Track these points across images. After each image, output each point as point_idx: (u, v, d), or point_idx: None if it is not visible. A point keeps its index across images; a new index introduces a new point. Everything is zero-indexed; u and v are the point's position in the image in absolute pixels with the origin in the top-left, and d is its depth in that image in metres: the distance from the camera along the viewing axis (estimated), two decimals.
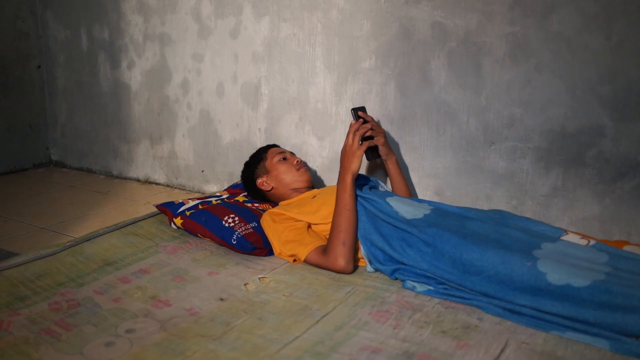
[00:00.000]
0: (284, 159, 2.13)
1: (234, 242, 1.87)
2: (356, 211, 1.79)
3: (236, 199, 2.23)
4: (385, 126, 2.22)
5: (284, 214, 1.91)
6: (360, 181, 1.95)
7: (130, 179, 3.07)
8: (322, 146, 2.40)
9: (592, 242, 1.56)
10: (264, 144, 2.52)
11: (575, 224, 1.93)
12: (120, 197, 2.73)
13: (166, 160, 2.91)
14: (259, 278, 1.72)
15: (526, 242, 1.56)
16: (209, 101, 2.69)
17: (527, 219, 1.71)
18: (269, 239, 1.90)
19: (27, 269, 1.72)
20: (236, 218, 1.95)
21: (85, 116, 3.19)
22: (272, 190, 2.14)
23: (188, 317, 1.47)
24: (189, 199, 2.19)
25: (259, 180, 2.14)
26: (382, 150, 2.01)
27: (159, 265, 1.80)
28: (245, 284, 1.67)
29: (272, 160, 2.13)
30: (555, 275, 1.40)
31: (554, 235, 1.60)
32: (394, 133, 2.22)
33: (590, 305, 1.34)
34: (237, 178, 2.60)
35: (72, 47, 3.13)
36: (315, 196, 2.00)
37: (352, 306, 1.53)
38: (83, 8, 3.01)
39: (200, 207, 2.10)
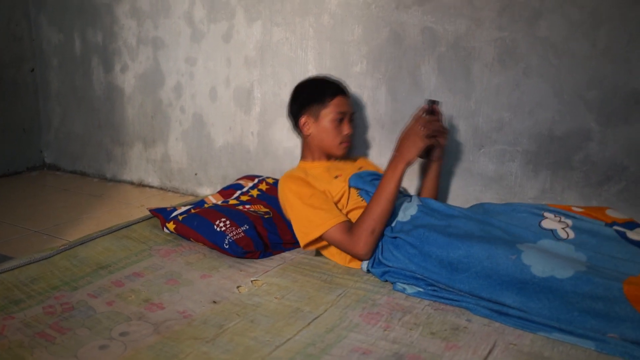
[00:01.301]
0: (340, 120, 1.98)
1: (226, 247, 1.89)
2: (395, 202, 1.74)
3: (229, 202, 2.25)
4: (376, 130, 2.24)
5: (307, 181, 1.89)
6: (369, 175, 1.93)
7: (124, 182, 3.09)
8: None
9: (571, 235, 1.59)
10: (257, 148, 2.56)
11: None
12: (113, 200, 2.75)
13: (159, 163, 2.93)
14: (252, 281, 1.74)
15: (509, 240, 1.59)
16: (202, 105, 2.71)
17: (509, 206, 1.73)
18: (287, 201, 1.88)
19: (22, 273, 1.73)
20: (227, 222, 1.97)
21: (79, 119, 3.20)
22: (308, 139, 2.04)
23: (181, 320, 1.48)
24: (181, 205, 2.21)
25: (303, 119, 2.02)
26: (437, 153, 1.94)
27: (153, 268, 1.82)
28: (237, 287, 1.69)
29: (330, 114, 1.97)
30: (539, 268, 1.43)
31: (534, 222, 1.64)
32: (385, 137, 2.24)
33: (573, 297, 1.37)
34: (230, 180, 2.62)
35: (66, 50, 3.15)
36: (337, 177, 1.93)
37: (343, 308, 1.56)
38: (77, 12, 3.03)
39: (192, 211, 2.12)
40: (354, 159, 2.14)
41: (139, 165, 3.02)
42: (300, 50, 2.38)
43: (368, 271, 1.79)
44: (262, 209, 2.18)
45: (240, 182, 2.42)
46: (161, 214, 2.15)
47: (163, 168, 2.92)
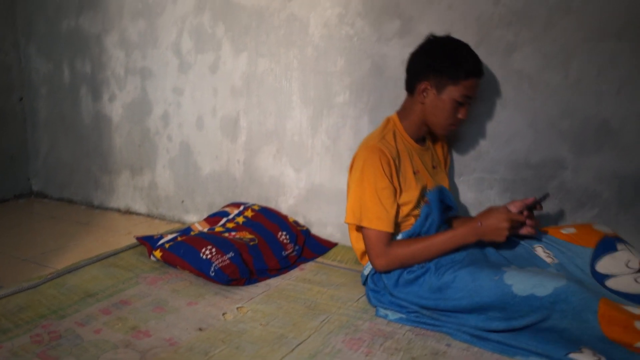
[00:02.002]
0: (461, 104, 1.77)
1: (212, 274, 1.93)
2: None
3: (215, 229, 2.29)
4: None
5: (390, 163, 1.73)
6: (447, 201, 1.88)
7: (111, 209, 3.11)
8: (299, 178, 2.47)
9: (556, 261, 1.67)
10: (243, 175, 2.60)
11: None
12: (101, 227, 2.77)
13: (147, 190, 2.96)
14: (237, 308, 1.77)
15: (497, 263, 1.64)
16: (189, 133, 2.76)
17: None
18: (360, 173, 1.74)
19: (9, 302, 1.76)
20: (213, 249, 2.00)
21: (67, 147, 3.24)
22: (419, 105, 1.83)
23: (167, 347, 1.51)
24: (167, 233, 2.24)
25: (424, 85, 1.79)
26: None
27: (140, 296, 1.85)
28: (223, 314, 1.73)
29: (455, 93, 1.75)
30: (520, 287, 1.46)
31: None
32: None
33: (552, 315, 1.41)
34: (216, 208, 2.66)
35: (55, 80, 3.19)
36: (416, 173, 1.82)
37: (326, 334, 1.59)
38: (66, 43, 3.08)
39: (179, 238, 2.15)
40: (439, 144, 2.02)
41: (126, 193, 3.05)
42: (285, 81, 2.44)
43: (364, 283, 1.83)
44: (248, 235, 2.22)
45: (226, 209, 2.47)
46: (148, 242, 2.18)
47: (150, 195, 2.95)
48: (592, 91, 1.86)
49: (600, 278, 1.60)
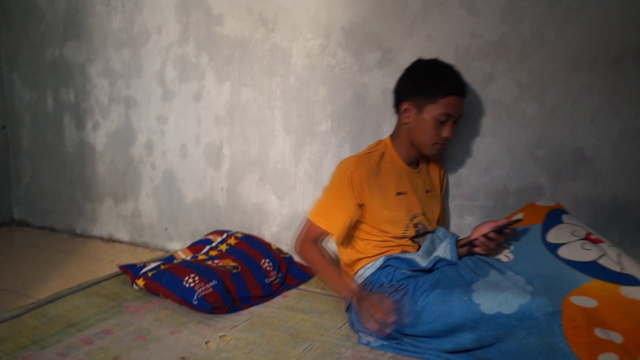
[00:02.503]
0: (442, 122, 1.81)
1: (195, 303, 1.93)
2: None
3: (198, 257, 2.30)
4: None
5: (358, 182, 1.81)
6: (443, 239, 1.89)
7: (94, 237, 3.10)
8: (282, 205, 2.50)
9: (511, 257, 1.72)
10: (226, 203, 2.62)
11: None
12: (83, 256, 2.76)
13: (130, 218, 2.96)
14: (220, 336, 1.78)
15: (467, 281, 1.66)
16: (173, 161, 2.77)
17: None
18: (332, 176, 1.88)
19: None
20: (196, 278, 2.01)
21: (50, 175, 3.23)
22: (403, 126, 1.89)
23: None
24: (150, 261, 2.24)
25: (405, 105, 1.86)
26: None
27: (122, 325, 1.85)
28: (206, 342, 1.73)
29: (435, 111, 1.79)
30: (487, 305, 1.49)
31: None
32: None
33: (519, 332, 1.43)
34: (199, 235, 2.66)
35: (38, 108, 3.20)
36: (401, 194, 1.88)
37: None
38: (50, 72, 3.10)
39: (162, 267, 2.16)
40: (434, 168, 2.05)
41: (109, 221, 3.04)
42: (268, 110, 2.48)
43: (347, 309, 1.86)
44: (231, 263, 2.23)
45: (210, 237, 2.47)
46: (131, 271, 2.18)
47: (133, 223, 2.95)
48: (567, 120, 1.91)
49: (552, 248, 1.65)
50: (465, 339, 1.54)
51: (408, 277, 1.75)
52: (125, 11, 2.79)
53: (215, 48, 2.57)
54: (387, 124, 2.21)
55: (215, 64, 2.57)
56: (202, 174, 2.69)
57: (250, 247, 2.36)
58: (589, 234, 1.66)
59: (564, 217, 1.74)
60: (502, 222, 1.74)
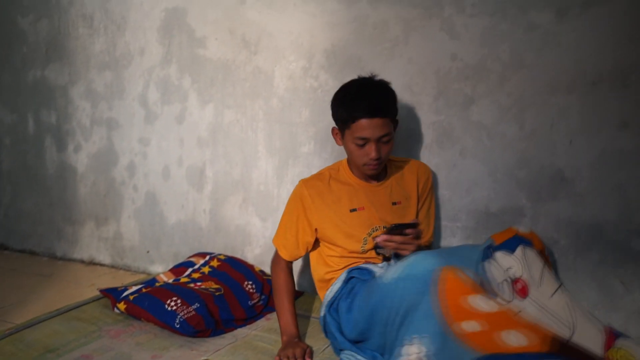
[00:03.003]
0: (362, 145, 1.77)
1: (177, 326, 1.91)
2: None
3: (181, 280, 2.28)
4: None
5: (307, 204, 1.89)
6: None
7: (75, 260, 3.06)
8: (265, 226, 2.49)
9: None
10: (209, 225, 2.61)
11: None
12: (63, 279, 2.72)
13: (111, 241, 2.93)
14: None
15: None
16: (155, 183, 2.76)
17: None
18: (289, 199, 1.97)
19: None
20: (178, 301, 1.99)
21: (30, 198, 3.20)
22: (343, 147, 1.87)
23: None
24: (132, 284, 2.22)
25: (334, 130, 1.89)
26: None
27: (102, 350, 1.82)
28: None
29: (350, 136, 1.78)
30: (387, 276, 1.56)
31: None
32: None
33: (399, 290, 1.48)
34: (182, 258, 2.64)
35: (19, 130, 3.17)
36: (354, 210, 1.88)
37: None
38: (31, 94, 3.08)
39: (143, 290, 2.13)
40: (410, 177, 1.97)
41: (90, 244, 3.01)
42: (251, 131, 2.48)
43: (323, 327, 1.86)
44: (214, 285, 2.21)
45: (192, 259, 2.46)
46: (112, 294, 2.16)
47: (115, 246, 2.93)
48: (547, 142, 1.94)
49: (485, 256, 1.69)
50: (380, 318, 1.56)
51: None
52: (107, 33, 2.80)
53: (198, 70, 2.58)
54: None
55: (198, 86, 2.58)
56: (185, 196, 2.68)
57: (233, 269, 2.35)
58: (519, 280, 1.65)
59: (521, 249, 1.71)
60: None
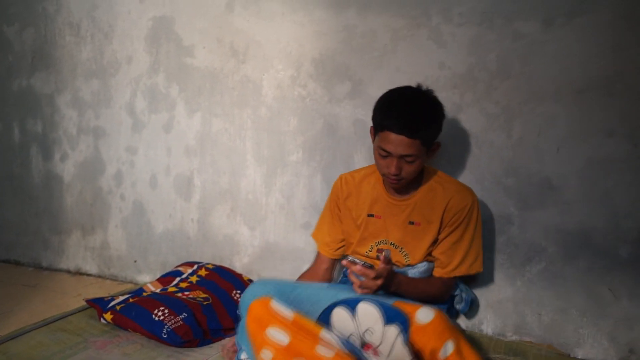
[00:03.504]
0: (384, 157, 1.72)
1: (165, 336, 1.89)
2: None
3: (168, 289, 2.26)
4: (312, 216, 2.32)
5: (339, 200, 1.97)
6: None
7: (61, 270, 3.03)
8: (254, 235, 2.48)
9: None
10: (197, 234, 2.59)
11: (491, 306, 2.06)
12: (49, 289, 2.69)
13: (98, 250, 2.91)
14: None
15: None
16: (143, 192, 2.74)
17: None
18: None
19: None
20: (166, 311, 1.97)
21: (15, 207, 3.16)
22: None
23: None
24: (119, 294, 2.20)
25: (371, 128, 1.81)
26: None
27: None
28: None
29: (377, 140, 1.72)
30: None
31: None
32: None
33: None
34: (169, 267, 2.62)
35: (4, 139, 3.14)
36: (371, 216, 1.89)
37: None
38: (16, 103, 3.05)
39: (130, 300, 2.11)
40: (440, 201, 1.82)
41: (76, 253, 2.98)
42: (239, 140, 2.48)
43: None
44: (202, 295, 2.20)
45: (180, 268, 2.44)
46: (98, 305, 2.13)
47: (102, 255, 2.90)
48: (534, 150, 1.95)
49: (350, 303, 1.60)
50: None
51: None
52: (94, 41, 2.78)
53: (185, 79, 2.57)
54: (358, 154, 2.23)
55: (186, 95, 2.57)
56: (172, 205, 2.67)
57: (221, 278, 2.33)
58: (369, 346, 1.54)
59: (395, 327, 1.50)
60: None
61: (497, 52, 1.98)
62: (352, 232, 1.94)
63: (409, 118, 1.66)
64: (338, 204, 1.98)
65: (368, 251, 1.90)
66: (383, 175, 1.78)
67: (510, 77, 1.96)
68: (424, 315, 1.50)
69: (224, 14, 2.46)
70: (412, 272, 1.86)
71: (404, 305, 1.54)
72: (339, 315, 1.58)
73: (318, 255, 2.06)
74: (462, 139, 2.05)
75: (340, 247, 2.01)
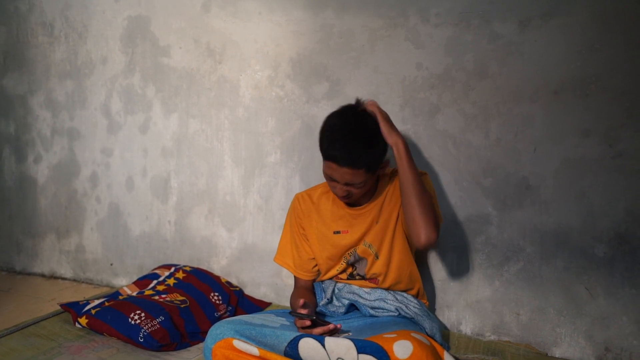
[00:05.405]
0: (331, 180, 1.71)
1: (141, 340, 1.86)
2: None
3: (145, 293, 2.23)
4: None
5: (300, 220, 1.92)
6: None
7: (35, 274, 2.98)
8: (232, 237, 2.46)
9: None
10: (174, 236, 2.56)
11: (470, 306, 2.07)
12: (22, 294, 2.64)
13: (73, 254, 2.86)
14: None
15: None
16: (118, 194, 2.70)
17: None
18: None
19: None
20: (142, 314, 1.94)
21: None
22: None
23: None
24: (94, 298, 2.16)
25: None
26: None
27: None
28: None
29: (324, 167, 1.70)
30: None
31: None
32: None
33: None
34: (146, 270, 2.59)
35: None
36: (337, 233, 1.86)
37: None
38: None
39: (106, 303, 2.08)
40: (395, 199, 1.82)
41: (51, 257, 2.93)
42: (216, 141, 2.45)
43: None
44: (179, 297, 2.17)
45: (157, 271, 2.41)
46: (73, 309, 2.10)
47: (77, 259, 2.85)
48: (511, 150, 1.96)
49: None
50: None
51: None
52: (68, 42, 2.74)
53: (162, 79, 2.54)
54: None
55: (162, 95, 2.54)
56: (149, 207, 2.63)
57: (198, 280, 2.31)
58: None
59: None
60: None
61: (474, 52, 1.98)
62: (317, 251, 1.89)
63: (351, 150, 1.62)
64: (301, 223, 1.91)
65: (342, 264, 1.88)
66: (336, 196, 1.77)
67: (487, 77, 1.97)
68: (401, 349, 1.39)
69: (201, 13, 2.43)
70: (369, 296, 1.87)
71: (378, 339, 1.45)
72: (307, 344, 1.48)
73: (296, 279, 1.97)
74: (440, 139, 2.06)
75: (316, 265, 1.94)
